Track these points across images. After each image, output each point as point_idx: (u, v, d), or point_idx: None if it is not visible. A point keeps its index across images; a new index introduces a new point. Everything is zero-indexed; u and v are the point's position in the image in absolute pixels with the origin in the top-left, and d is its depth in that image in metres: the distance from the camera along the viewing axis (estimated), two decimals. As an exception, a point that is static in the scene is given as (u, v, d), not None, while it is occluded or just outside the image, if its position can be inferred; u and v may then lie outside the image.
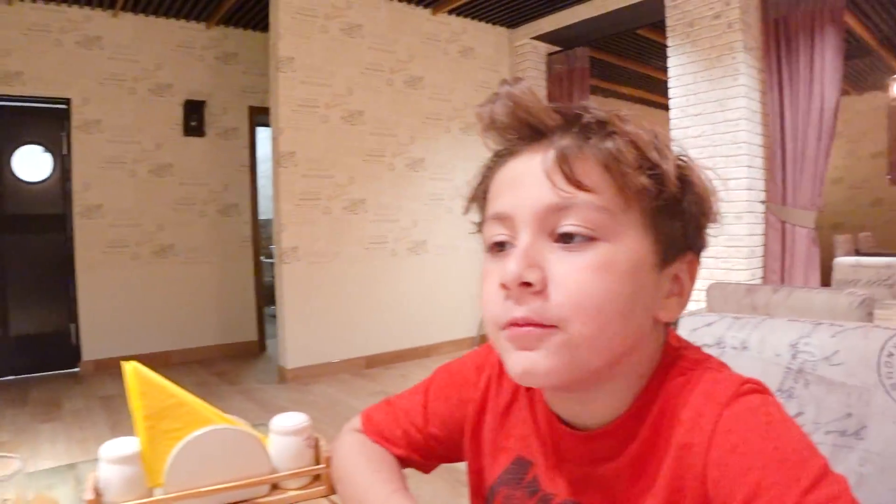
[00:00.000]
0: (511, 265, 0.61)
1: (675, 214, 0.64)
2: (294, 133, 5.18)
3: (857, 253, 6.10)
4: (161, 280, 5.83)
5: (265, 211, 6.67)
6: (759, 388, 0.63)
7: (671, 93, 5.14)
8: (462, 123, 6.37)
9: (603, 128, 0.63)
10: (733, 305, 2.25)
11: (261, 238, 6.56)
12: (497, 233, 0.66)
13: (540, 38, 6.57)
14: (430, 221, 6.16)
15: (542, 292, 0.61)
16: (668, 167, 0.62)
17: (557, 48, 6.65)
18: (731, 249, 4.78)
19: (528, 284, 0.61)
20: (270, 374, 5.48)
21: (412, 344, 6.07)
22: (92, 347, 5.50)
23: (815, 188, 4.74)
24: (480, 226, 0.73)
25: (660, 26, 5.41)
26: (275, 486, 0.98)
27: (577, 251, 0.61)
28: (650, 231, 0.63)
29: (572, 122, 0.64)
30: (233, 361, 5.96)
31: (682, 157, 0.65)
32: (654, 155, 0.62)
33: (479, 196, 0.73)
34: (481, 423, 0.85)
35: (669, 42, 5.12)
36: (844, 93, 4.93)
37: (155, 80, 5.77)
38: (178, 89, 5.89)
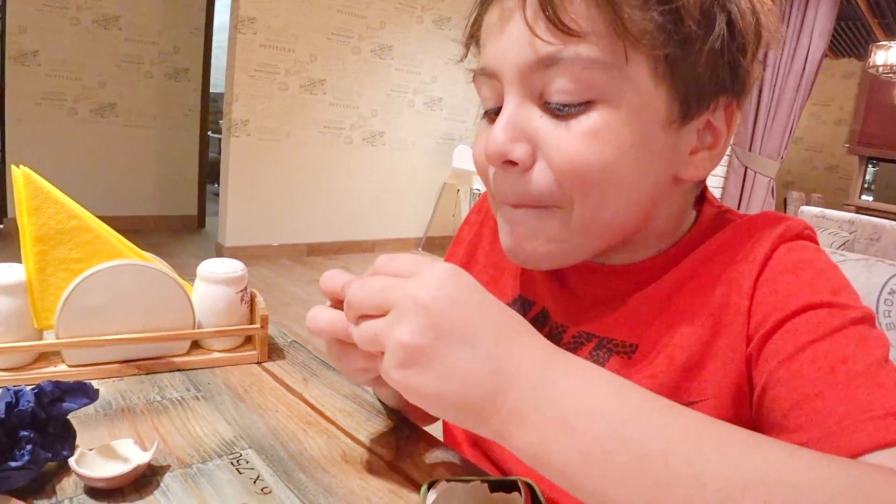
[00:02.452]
0: (494, 137, 0.53)
1: (698, 56, 0.51)
2: (256, -3, 4.78)
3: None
4: (99, 141, 5.42)
5: (217, 84, 6.28)
6: (815, 238, 0.60)
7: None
8: (436, 15, 6.02)
9: None
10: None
11: (209, 111, 6.17)
12: (485, 96, 0.59)
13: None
14: (390, 113, 5.89)
15: (529, 169, 0.54)
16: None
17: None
18: (691, 184, 4.72)
19: (512, 163, 0.54)
20: (207, 251, 5.26)
21: (357, 237, 5.89)
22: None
23: (783, 139, 4.77)
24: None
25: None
26: (196, 344, 0.81)
27: (570, 118, 0.52)
28: (664, 81, 0.52)
29: None
30: (169, 234, 5.70)
31: None
32: None
33: (474, 36, 0.62)
34: (469, 265, 0.78)
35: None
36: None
37: (107, -81, 5.23)
38: (133, -65, 5.36)
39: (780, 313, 0.52)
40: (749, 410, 0.55)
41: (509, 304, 0.69)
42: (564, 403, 0.40)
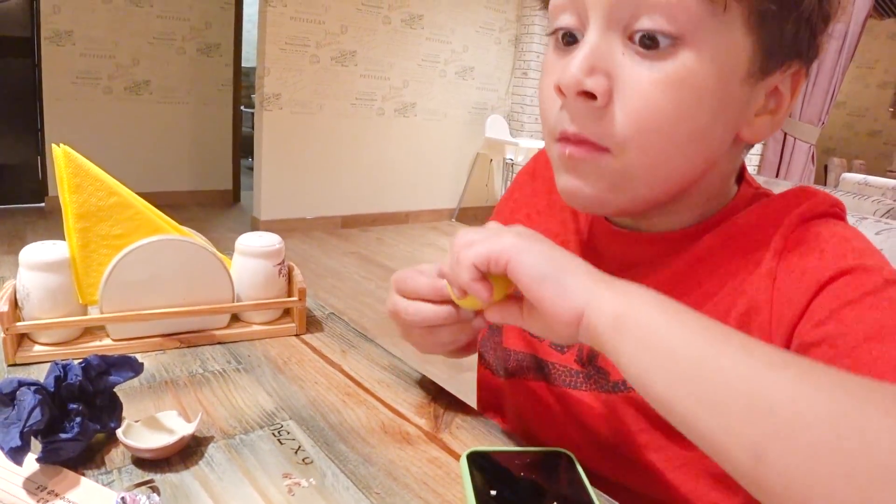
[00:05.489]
0: (571, 67, 0.50)
1: (789, 14, 0.50)
2: (286, -31, 4.76)
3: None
4: (134, 117, 5.48)
5: (249, 59, 6.31)
6: (843, 216, 0.59)
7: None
8: (467, -17, 5.96)
9: None
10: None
11: (242, 86, 6.20)
12: (561, 13, 0.54)
13: None
14: (421, 84, 5.85)
15: (605, 107, 0.51)
16: None
17: None
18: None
19: (589, 95, 0.50)
20: (243, 225, 5.32)
21: (391, 208, 5.91)
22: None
23: (824, 104, 4.60)
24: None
25: None
26: (236, 318, 0.82)
27: (655, 59, 0.49)
28: (753, 32, 0.50)
29: None
30: (205, 209, 5.77)
31: None
32: None
33: None
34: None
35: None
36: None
37: None
38: (160, -89, 5.35)
39: (805, 295, 0.51)
40: None
41: None
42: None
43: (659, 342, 0.43)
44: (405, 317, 0.60)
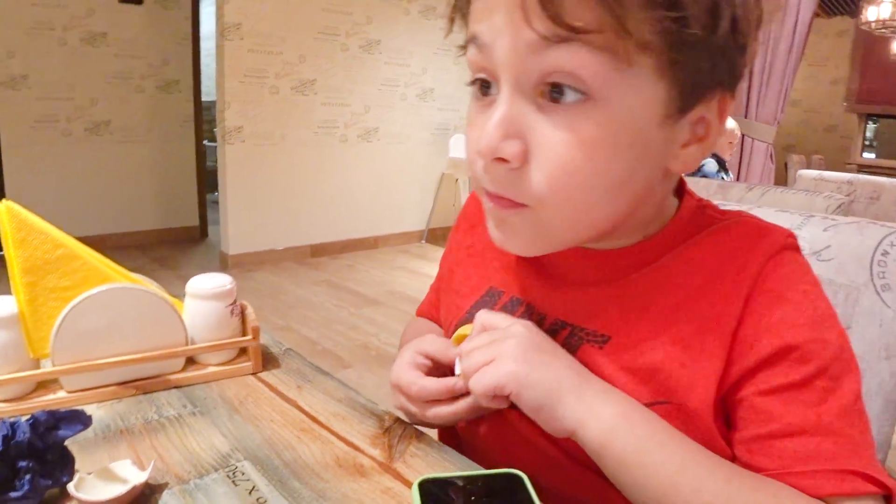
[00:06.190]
0: (487, 134, 0.52)
1: (701, 53, 0.49)
2: (241, 2, 4.77)
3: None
4: (95, 159, 5.42)
5: (209, 93, 6.30)
6: (797, 246, 0.61)
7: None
8: (422, 6, 6.00)
9: None
10: (704, 200, 2.15)
11: (203, 120, 6.18)
12: (476, 65, 0.55)
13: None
14: (382, 108, 5.88)
15: (520, 168, 0.53)
16: (694, 6, 0.46)
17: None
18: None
19: (504, 160, 0.52)
20: (212, 261, 5.27)
21: (360, 234, 5.91)
22: (20, 226, 5.11)
23: (778, 104, 4.71)
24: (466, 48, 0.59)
25: None
26: (191, 361, 0.82)
27: (566, 114, 0.50)
28: (665, 78, 0.50)
29: None
30: (173, 247, 5.72)
31: None
32: None
33: (463, 6, 0.57)
34: (457, 261, 0.81)
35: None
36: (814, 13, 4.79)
37: (85, -63, 5.22)
38: (112, -50, 5.35)
39: (766, 348, 0.55)
40: (709, 422, 0.57)
41: (482, 297, 0.73)
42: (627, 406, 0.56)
43: (633, 468, 0.54)
44: (431, 421, 0.66)
